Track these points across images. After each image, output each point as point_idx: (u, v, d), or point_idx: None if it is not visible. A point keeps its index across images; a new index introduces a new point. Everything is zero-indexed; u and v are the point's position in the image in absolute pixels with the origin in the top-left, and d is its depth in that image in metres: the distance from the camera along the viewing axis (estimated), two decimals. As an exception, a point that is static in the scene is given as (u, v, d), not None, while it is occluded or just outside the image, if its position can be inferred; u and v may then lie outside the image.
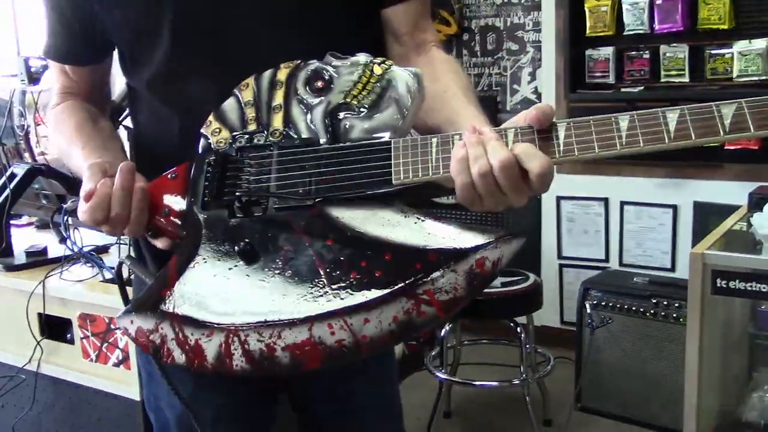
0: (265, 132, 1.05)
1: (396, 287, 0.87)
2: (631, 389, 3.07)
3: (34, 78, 2.31)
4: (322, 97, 1.04)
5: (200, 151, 1.08)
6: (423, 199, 1.03)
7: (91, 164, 1.06)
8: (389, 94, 1.01)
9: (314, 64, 1.06)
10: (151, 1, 1.14)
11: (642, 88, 3.48)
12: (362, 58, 1.05)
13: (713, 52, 3.25)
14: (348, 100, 1.02)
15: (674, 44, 3.35)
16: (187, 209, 1.04)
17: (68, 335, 2.05)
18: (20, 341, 2.11)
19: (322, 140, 1.01)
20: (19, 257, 2.24)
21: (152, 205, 1.06)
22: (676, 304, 2.91)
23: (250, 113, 1.07)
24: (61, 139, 1.26)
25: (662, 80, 3.40)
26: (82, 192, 1.03)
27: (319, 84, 1.05)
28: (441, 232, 0.91)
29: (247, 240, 0.96)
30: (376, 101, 1.01)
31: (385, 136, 0.98)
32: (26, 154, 2.38)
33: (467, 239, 0.89)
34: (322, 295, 0.90)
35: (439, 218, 0.93)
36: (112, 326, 1.91)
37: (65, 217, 2.12)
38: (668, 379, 2.94)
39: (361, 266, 0.90)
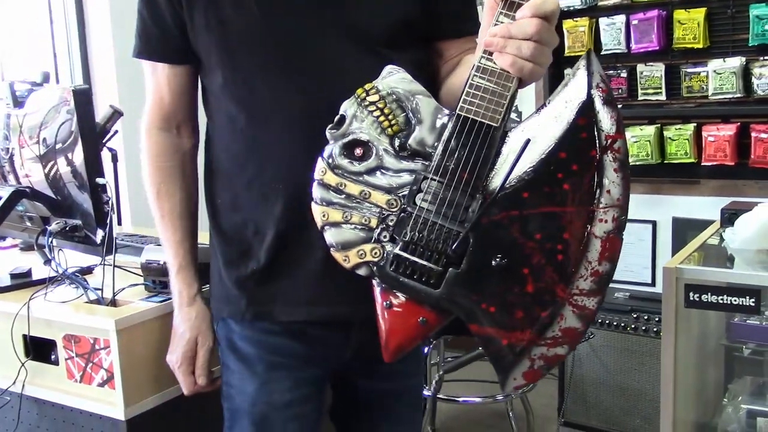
0: (385, 210, 1.08)
1: (594, 160, 1.03)
2: (614, 403, 3.09)
3: (18, 102, 2.33)
4: (375, 156, 1.08)
5: (378, 278, 1.11)
6: None
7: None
8: (404, 98, 1.07)
9: (328, 148, 1.09)
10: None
11: (620, 106, 3.52)
12: (348, 103, 1.09)
13: (689, 70, 3.31)
14: (390, 132, 1.07)
15: (651, 63, 3.41)
16: (434, 302, 1.09)
17: (53, 356, 2.05)
18: (4, 363, 2.11)
19: (419, 168, 1.07)
20: (4, 279, 2.24)
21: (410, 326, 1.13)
22: (656, 319, 2.93)
23: (360, 218, 1.09)
24: (158, 215, 1.46)
25: (640, 98, 3.46)
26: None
27: (358, 152, 1.08)
28: (561, 106, 1.03)
29: (497, 257, 1.05)
30: (405, 109, 1.07)
31: (444, 117, 1.06)
32: (10, 176, 2.39)
33: (577, 93, 1.03)
34: (595, 218, 1.03)
35: (541, 109, 1.05)
36: (97, 346, 1.92)
37: (50, 239, 2.16)
38: (649, 392, 2.97)
39: (585, 182, 1.03)
